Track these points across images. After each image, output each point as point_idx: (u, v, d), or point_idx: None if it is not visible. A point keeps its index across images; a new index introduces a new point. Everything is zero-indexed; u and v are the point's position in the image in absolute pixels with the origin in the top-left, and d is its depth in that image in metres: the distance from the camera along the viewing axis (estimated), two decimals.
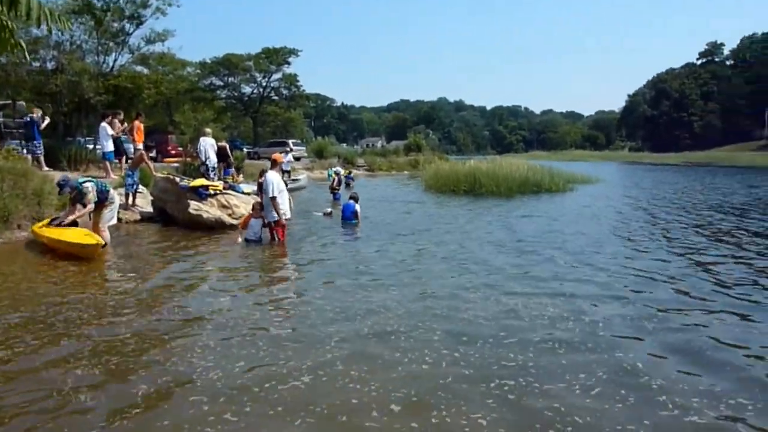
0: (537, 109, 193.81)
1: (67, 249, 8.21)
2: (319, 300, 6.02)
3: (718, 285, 6.71)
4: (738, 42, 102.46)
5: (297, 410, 3.47)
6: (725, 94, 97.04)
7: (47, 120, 15.79)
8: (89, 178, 9.38)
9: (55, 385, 3.81)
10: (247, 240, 9.58)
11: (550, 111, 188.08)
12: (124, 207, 12.27)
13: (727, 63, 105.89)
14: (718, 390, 3.81)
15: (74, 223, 8.99)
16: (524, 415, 3.47)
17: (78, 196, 8.80)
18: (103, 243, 8.29)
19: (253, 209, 10.02)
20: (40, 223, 9.34)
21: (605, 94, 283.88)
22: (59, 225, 8.79)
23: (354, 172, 28.21)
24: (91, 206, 8.88)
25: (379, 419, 3.41)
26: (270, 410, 3.49)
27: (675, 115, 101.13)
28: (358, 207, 12.11)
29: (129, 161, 13.07)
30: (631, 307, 5.77)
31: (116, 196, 9.80)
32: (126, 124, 16.03)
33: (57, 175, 13.08)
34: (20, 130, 21.98)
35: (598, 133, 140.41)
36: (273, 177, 9.31)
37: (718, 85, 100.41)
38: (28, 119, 15.38)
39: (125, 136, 16.00)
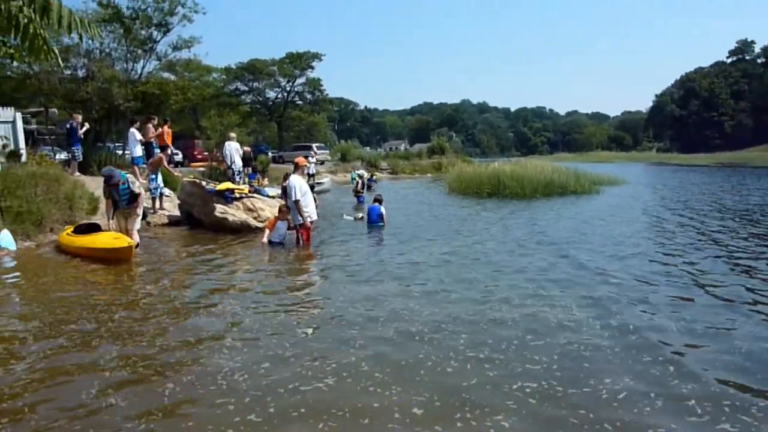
0: (562, 110, 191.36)
1: (99, 255, 8.24)
2: (343, 302, 6.05)
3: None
4: None
5: (320, 413, 3.49)
6: (757, 92, 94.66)
7: (86, 126, 16.20)
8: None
9: (83, 386, 3.90)
10: (271, 242, 9.67)
11: (575, 112, 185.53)
12: (152, 210, 12.53)
13: (759, 61, 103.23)
14: None
15: (96, 226, 9.07)
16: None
17: (113, 186, 8.86)
18: (135, 243, 8.33)
19: (279, 212, 10.11)
20: (64, 232, 9.32)
21: (631, 94, 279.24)
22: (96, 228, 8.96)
23: (377, 175, 28.19)
24: (144, 193, 9.01)
25: (402, 421, 3.41)
26: (293, 412, 3.52)
27: (704, 115, 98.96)
28: (383, 209, 12.15)
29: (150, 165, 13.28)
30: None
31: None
32: (164, 129, 16.39)
33: (87, 180, 13.44)
34: (53, 137, 22.64)
35: (625, 134, 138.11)
36: (296, 180, 9.38)
37: (749, 84, 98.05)
38: (68, 126, 15.77)
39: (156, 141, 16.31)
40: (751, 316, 5.52)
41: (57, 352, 4.57)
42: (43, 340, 4.84)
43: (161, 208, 12.78)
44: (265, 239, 9.71)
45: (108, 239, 8.39)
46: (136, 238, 9.21)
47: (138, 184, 9.06)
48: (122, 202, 9.02)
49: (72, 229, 9.21)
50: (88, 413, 3.50)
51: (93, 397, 3.72)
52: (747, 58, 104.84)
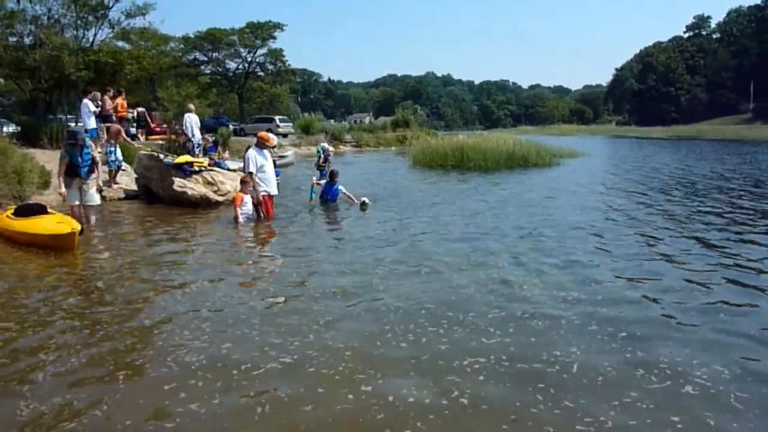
0: (525, 84, 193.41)
1: (39, 242, 7.27)
2: (309, 276, 6.02)
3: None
4: (725, 15, 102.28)
5: (260, 397, 3.40)
6: (711, 67, 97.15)
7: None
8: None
9: (29, 372, 3.75)
10: (244, 218, 9.17)
11: (538, 85, 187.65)
12: (107, 184, 12.16)
13: (714, 36, 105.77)
14: None
15: (42, 208, 8.12)
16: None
17: (77, 146, 8.42)
18: (80, 229, 7.31)
19: (242, 183, 9.55)
20: (3, 213, 8.23)
21: (593, 68, 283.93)
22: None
23: (341, 147, 27.52)
24: (100, 165, 8.68)
25: (352, 399, 3.39)
26: (241, 398, 3.41)
27: (662, 89, 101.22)
28: (342, 188, 11.24)
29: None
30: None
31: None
32: (117, 101, 15.84)
33: (37, 153, 12.92)
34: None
35: (586, 108, 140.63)
36: (250, 154, 9.34)
37: (705, 59, 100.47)
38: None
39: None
40: (714, 291, 5.67)
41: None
42: None
43: (115, 182, 12.38)
44: (241, 219, 9.12)
45: (50, 224, 7.40)
46: (92, 216, 8.90)
47: (96, 154, 8.68)
48: (83, 168, 8.45)
49: (12, 211, 8.17)
50: (28, 404, 3.34)
51: (35, 389, 3.51)
52: (703, 33, 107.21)
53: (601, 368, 3.76)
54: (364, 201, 10.82)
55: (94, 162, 8.72)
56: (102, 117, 14.99)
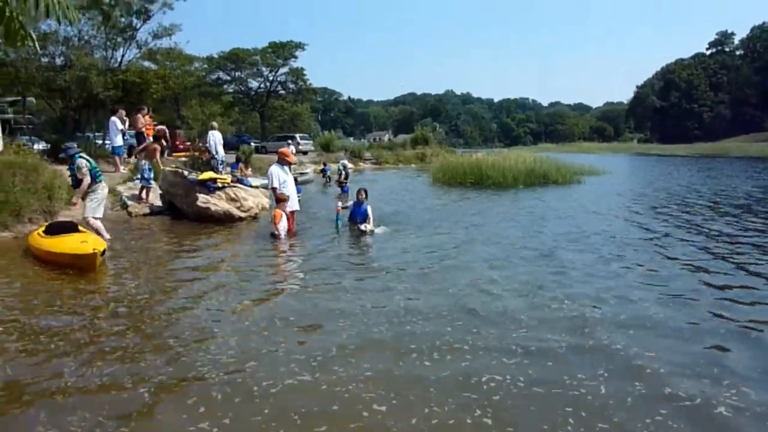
0: (544, 102, 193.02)
1: (60, 260, 7.25)
2: (334, 291, 6.06)
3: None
4: (748, 32, 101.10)
5: (275, 414, 3.42)
6: (735, 84, 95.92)
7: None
8: (85, 156, 9.08)
9: (52, 390, 3.77)
10: (273, 234, 9.24)
11: (558, 103, 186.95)
12: (137, 200, 12.44)
13: (737, 53, 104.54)
14: None
15: (72, 226, 8.15)
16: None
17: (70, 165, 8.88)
18: (102, 249, 7.32)
19: (279, 201, 9.48)
20: (36, 231, 8.38)
21: (613, 85, 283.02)
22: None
23: (361, 165, 27.69)
24: (87, 180, 8.72)
25: (367, 419, 3.39)
26: (254, 417, 3.41)
27: (684, 106, 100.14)
28: (369, 210, 10.25)
29: (142, 154, 13.16)
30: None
31: (105, 190, 9.36)
32: (148, 119, 16.20)
33: (66, 170, 13.22)
34: (30, 126, 22.22)
35: (607, 125, 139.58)
36: (273, 169, 9.72)
37: (728, 76, 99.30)
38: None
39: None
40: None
41: (19, 350, 4.44)
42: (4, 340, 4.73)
43: (143, 199, 12.64)
44: (282, 235, 9.17)
45: (73, 243, 7.35)
46: (99, 225, 8.86)
47: (84, 171, 8.68)
48: (70, 178, 9.02)
49: (44, 229, 8.22)
50: (53, 421, 3.37)
51: (56, 408, 3.54)
52: (726, 50, 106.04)
53: (630, 387, 3.72)
54: (362, 229, 9.81)
55: (76, 179, 8.81)
56: (135, 135, 15.44)
